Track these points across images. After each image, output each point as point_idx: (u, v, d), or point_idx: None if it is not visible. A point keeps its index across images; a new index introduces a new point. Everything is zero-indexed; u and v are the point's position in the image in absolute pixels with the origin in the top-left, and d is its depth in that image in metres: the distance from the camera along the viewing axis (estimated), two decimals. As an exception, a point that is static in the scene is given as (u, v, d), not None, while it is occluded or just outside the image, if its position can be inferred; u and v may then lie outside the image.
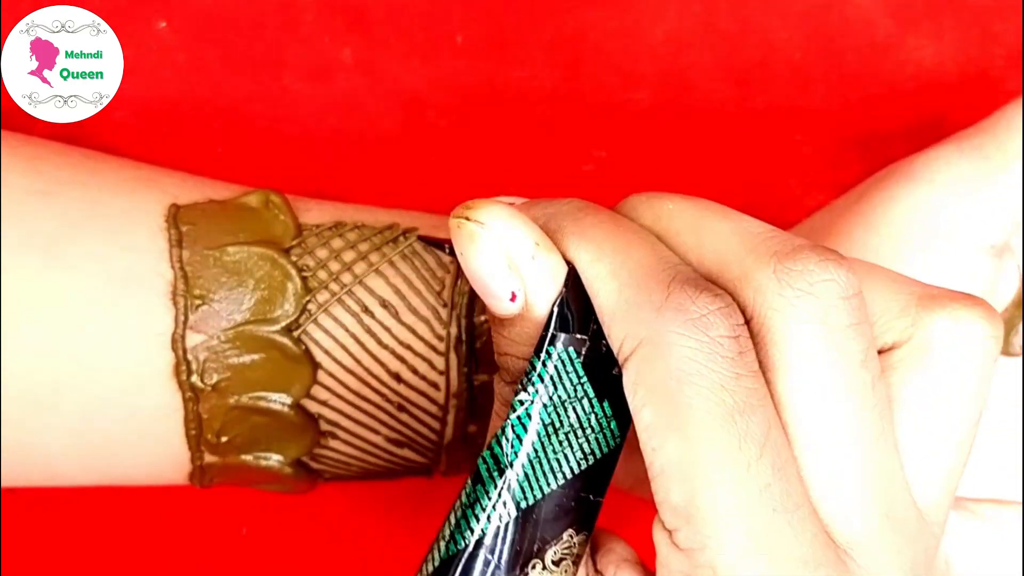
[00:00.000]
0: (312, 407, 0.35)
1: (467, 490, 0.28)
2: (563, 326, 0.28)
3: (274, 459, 0.35)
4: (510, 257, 0.28)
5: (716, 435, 0.25)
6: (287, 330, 0.34)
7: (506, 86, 0.40)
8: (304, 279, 0.35)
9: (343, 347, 0.35)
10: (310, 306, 0.35)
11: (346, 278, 0.35)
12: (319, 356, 0.34)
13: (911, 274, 0.33)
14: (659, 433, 0.26)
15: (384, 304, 0.35)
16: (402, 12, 0.39)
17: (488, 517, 0.28)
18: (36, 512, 0.42)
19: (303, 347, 0.34)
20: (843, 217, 0.37)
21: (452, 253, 0.31)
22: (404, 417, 0.35)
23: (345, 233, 0.36)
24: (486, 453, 0.28)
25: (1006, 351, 0.39)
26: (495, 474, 0.28)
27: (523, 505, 0.28)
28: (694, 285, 0.27)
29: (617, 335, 0.27)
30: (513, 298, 0.28)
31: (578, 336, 0.28)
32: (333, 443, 0.36)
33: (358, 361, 0.35)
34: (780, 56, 0.40)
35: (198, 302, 0.34)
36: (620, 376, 0.27)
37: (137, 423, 0.34)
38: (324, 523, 0.43)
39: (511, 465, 0.28)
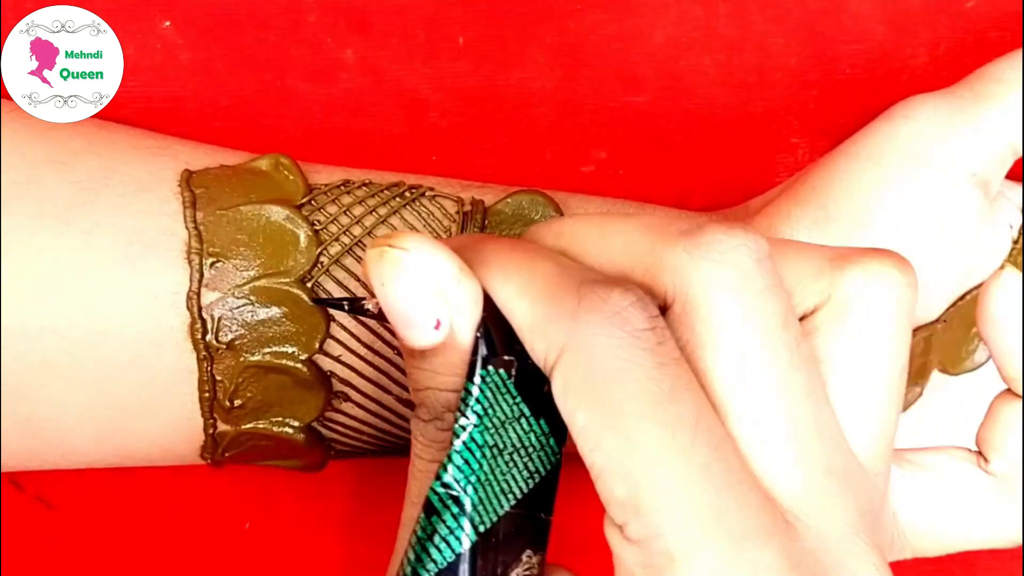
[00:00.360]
0: (325, 364, 0.35)
1: (421, 524, 0.28)
2: (490, 349, 0.28)
3: (288, 424, 0.36)
4: (436, 281, 0.28)
5: (648, 426, 0.26)
6: (301, 281, 0.35)
7: (507, 88, 0.40)
8: (316, 232, 0.35)
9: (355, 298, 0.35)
10: (322, 258, 0.35)
11: (356, 230, 0.36)
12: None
13: (895, 202, 0.35)
14: (594, 434, 0.26)
15: None
16: (404, 14, 0.40)
17: (449, 545, 0.28)
18: (37, 509, 0.42)
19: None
20: (828, 157, 0.38)
21: (352, 310, 0.31)
22: None
23: (353, 190, 0.37)
24: (435, 484, 0.28)
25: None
26: (448, 503, 0.28)
27: (481, 529, 0.28)
28: (603, 284, 0.27)
29: (539, 349, 0.27)
30: (438, 325, 0.28)
31: (505, 358, 0.28)
32: (345, 406, 0.36)
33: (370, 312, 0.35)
34: (778, 62, 0.40)
35: (212, 259, 0.34)
36: (550, 393, 0.27)
37: (152, 388, 0.35)
38: (327, 515, 0.43)
39: (464, 491, 0.28)
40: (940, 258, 0.37)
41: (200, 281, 0.34)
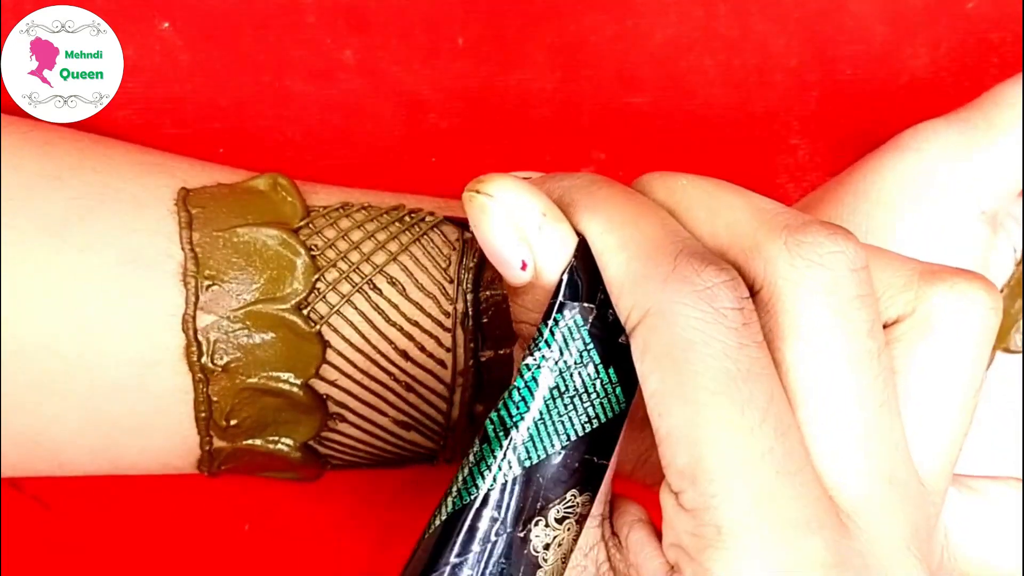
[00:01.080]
0: (321, 387, 0.35)
1: (475, 449, 0.29)
2: (572, 294, 0.29)
3: (283, 443, 0.36)
4: (519, 227, 0.29)
5: (719, 400, 0.26)
6: (297, 308, 0.35)
7: (507, 88, 0.40)
8: (313, 258, 0.35)
9: (352, 325, 0.35)
10: (319, 285, 0.35)
11: (354, 257, 0.35)
12: (328, 334, 0.35)
13: (903, 239, 0.35)
14: (665, 399, 0.27)
15: (392, 281, 0.35)
16: (403, 14, 0.39)
17: (494, 475, 0.29)
18: (35, 509, 0.42)
19: (313, 325, 0.35)
20: (835, 188, 0.38)
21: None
22: (411, 397, 0.36)
23: (352, 213, 0.36)
24: (493, 414, 0.29)
25: (1006, 347, 0.40)
26: (500, 434, 0.29)
27: (527, 464, 0.29)
28: (700, 258, 0.28)
29: (625, 305, 0.28)
30: (524, 267, 0.30)
31: (586, 304, 0.29)
32: (341, 426, 0.36)
33: (366, 339, 0.35)
34: (778, 62, 0.40)
35: (208, 282, 0.34)
36: (626, 344, 0.28)
37: (147, 408, 0.34)
38: (326, 516, 0.43)
39: (516, 427, 0.29)
40: None
41: (196, 304, 0.34)
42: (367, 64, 0.40)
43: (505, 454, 0.29)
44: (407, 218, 0.37)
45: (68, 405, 0.34)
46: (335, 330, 0.35)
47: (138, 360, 0.34)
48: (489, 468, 0.29)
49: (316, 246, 0.35)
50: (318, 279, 0.35)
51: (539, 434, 0.29)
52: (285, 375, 0.35)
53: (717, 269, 0.27)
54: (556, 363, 0.29)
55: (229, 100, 0.39)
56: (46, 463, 0.36)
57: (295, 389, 0.35)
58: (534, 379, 0.29)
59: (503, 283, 0.34)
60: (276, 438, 0.36)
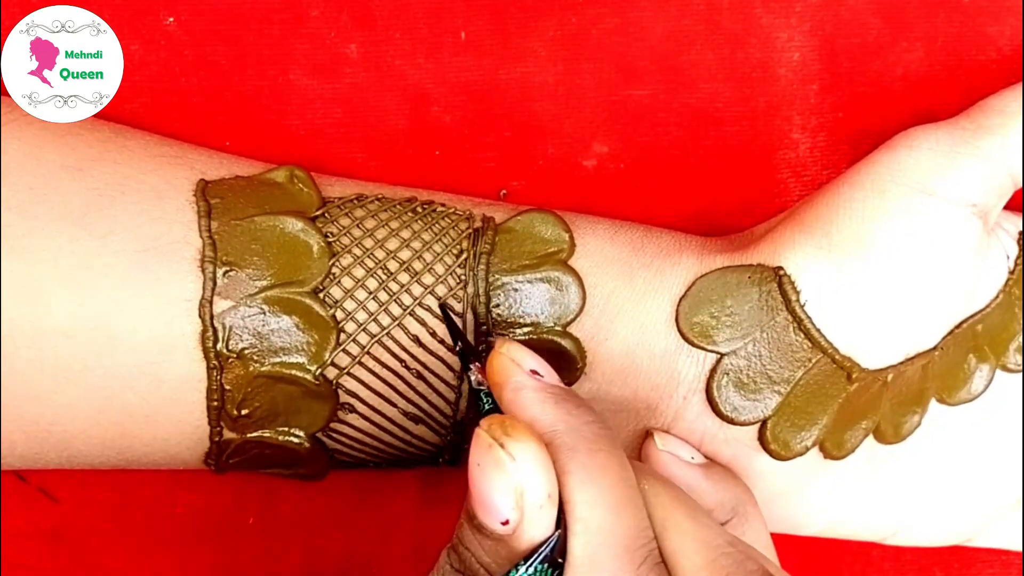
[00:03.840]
0: (332, 375, 0.35)
1: None
2: (555, 551, 0.31)
3: (293, 434, 0.36)
4: (521, 494, 0.30)
5: None
6: (313, 292, 0.35)
7: (509, 82, 0.40)
8: (329, 244, 0.35)
9: (366, 310, 0.35)
10: (334, 270, 0.35)
11: (368, 243, 0.36)
12: (342, 319, 0.35)
13: (896, 230, 0.37)
14: None
15: (405, 266, 0.36)
16: (407, 8, 0.39)
17: None
18: (39, 501, 0.42)
19: (329, 309, 0.35)
20: (830, 183, 0.39)
21: (461, 355, 0.34)
22: (421, 387, 0.36)
23: (366, 204, 0.37)
24: None
25: (1004, 366, 0.40)
26: None
27: None
28: None
29: None
30: (505, 523, 0.30)
31: (560, 560, 0.31)
32: (350, 417, 0.36)
33: (379, 324, 0.36)
34: (781, 56, 0.41)
35: (226, 268, 0.34)
36: None
37: (160, 396, 0.35)
38: (329, 511, 0.43)
39: None
40: (938, 285, 0.38)
41: (213, 289, 0.34)
42: (371, 58, 0.40)
43: None
44: (419, 208, 0.37)
45: (83, 393, 0.34)
46: (349, 315, 0.35)
47: (153, 347, 0.34)
48: None
49: (331, 233, 0.36)
50: (333, 264, 0.35)
51: None
52: (300, 360, 0.35)
53: None
54: None
55: (234, 95, 0.39)
56: (56, 453, 0.36)
57: (308, 376, 0.35)
58: None
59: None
60: (286, 428, 0.36)
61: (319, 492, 0.43)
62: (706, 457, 0.38)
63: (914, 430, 0.40)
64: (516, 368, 0.33)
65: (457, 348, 0.35)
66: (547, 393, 0.32)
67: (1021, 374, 0.41)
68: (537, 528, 0.31)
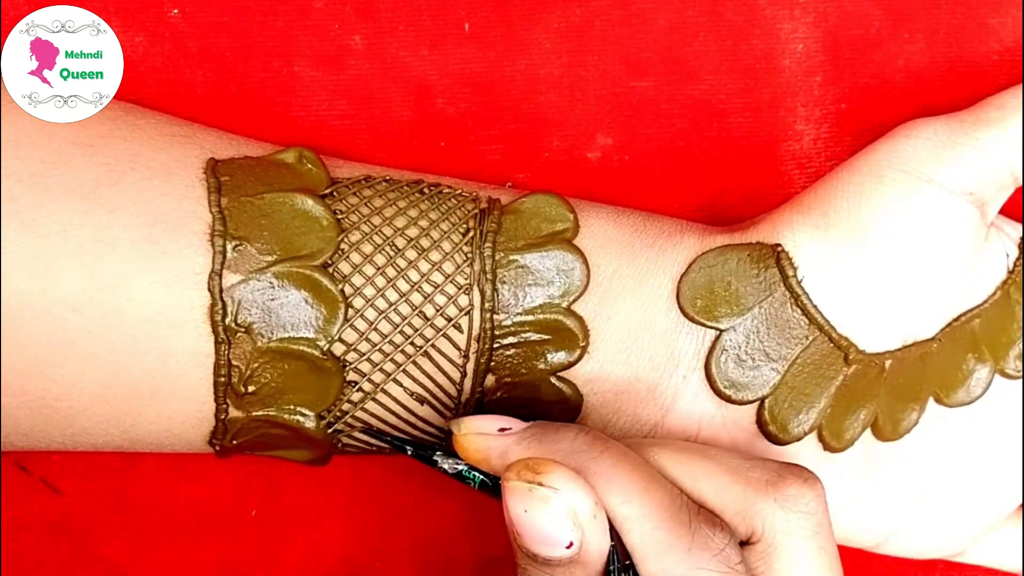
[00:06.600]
0: (340, 350, 0.36)
1: None
2: (618, 559, 0.33)
3: (299, 412, 0.36)
4: (576, 514, 0.32)
5: None
6: (322, 267, 0.35)
7: (513, 74, 0.40)
8: (338, 221, 0.36)
9: (374, 285, 0.36)
10: (343, 245, 0.36)
11: (376, 220, 0.36)
12: (350, 294, 0.35)
13: (893, 213, 0.38)
14: None
15: (412, 243, 0.36)
16: (411, 0, 0.39)
17: None
18: (42, 491, 0.42)
19: (337, 284, 0.35)
20: (834, 170, 0.40)
21: (421, 459, 0.36)
22: (427, 365, 0.37)
23: (374, 184, 0.37)
24: None
25: (1003, 371, 0.41)
26: None
27: None
28: (710, 524, 0.33)
29: (652, 569, 0.33)
30: (570, 546, 0.32)
31: (627, 562, 0.33)
32: (356, 395, 0.36)
33: (387, 299, 0.36)
34: (785, 47, 0.41)
35: (235, 242, 0.35)
36: None
37: (166, 372, 0.35)
38: (332, 501, 0.43)
39: None
40: (934, 271, 0.38)
41: (223, 263, 0.34)
42: (375, 50, 0.40)
43: None
44: (426, 190, 0.38)
45: (90, 367, 0.34)
46: (357, 290, 0.35)
47: (162, 319, 0.34)
48: None
49: (340, 210, 0.36)
50: (342, 239, 0.35)
51: None
52: (308, 335, 0.35)
53: (725, 533, 0.33)
54: None
55: (238, 87, 0.39)
56: (59, 432, 0.36)
57: (316, 351, 0.35)
58: None
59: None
60: (292, 406, 0.36)
61: (321, 484, 0.43)
62: (704, 444, 0.38)
63: (912, 428, 0.40)
64: (487, 437, 0.35)
65: (409, 452, 0.36)
66: (528, 439, 0.34)
67: (1021, 380, 0.41)
68: (599, 536, 0.33)
